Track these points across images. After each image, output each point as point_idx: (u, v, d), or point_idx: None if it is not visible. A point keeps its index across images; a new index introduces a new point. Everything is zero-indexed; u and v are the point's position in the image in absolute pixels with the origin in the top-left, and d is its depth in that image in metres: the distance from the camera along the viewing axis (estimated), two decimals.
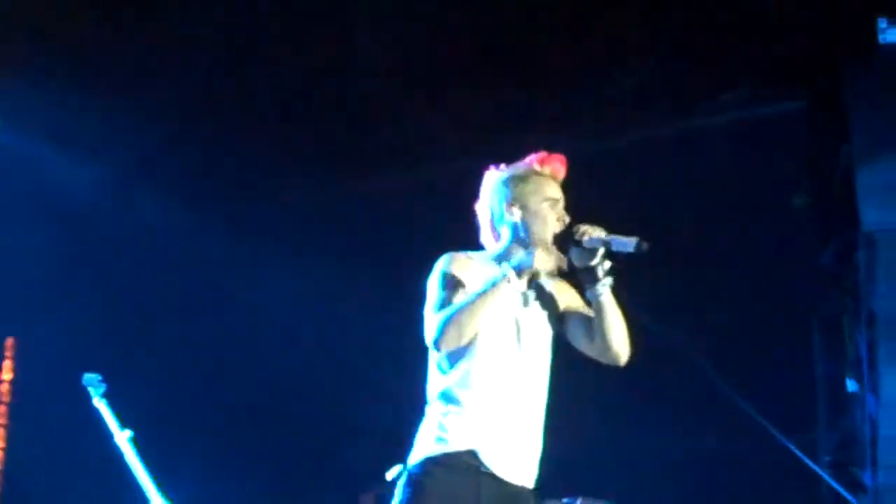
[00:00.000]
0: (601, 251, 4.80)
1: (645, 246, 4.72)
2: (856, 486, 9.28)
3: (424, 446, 4.78)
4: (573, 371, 8.68)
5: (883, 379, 9.26)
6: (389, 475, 4.80)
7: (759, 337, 9.37)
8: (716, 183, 9.42)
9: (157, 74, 8.47)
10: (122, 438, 5.34)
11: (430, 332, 4.75)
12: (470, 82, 9.11)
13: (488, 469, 4.71)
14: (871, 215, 9.35)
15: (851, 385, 9.45)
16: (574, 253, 4.84)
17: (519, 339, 4.86)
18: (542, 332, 4.95)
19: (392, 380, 8.47)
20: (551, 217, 4.91)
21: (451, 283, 4.82)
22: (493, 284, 4.70)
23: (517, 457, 4.79)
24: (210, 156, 9.15)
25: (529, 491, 4.85)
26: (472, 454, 4.70)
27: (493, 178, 5.03)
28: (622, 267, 4.85)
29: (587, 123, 9.61)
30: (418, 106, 9.20)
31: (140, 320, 8.75)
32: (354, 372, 9.40)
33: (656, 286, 9.63)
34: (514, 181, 4.97)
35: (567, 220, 4.92)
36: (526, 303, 4.92)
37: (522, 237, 4.92)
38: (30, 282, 8.80)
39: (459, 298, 4.75)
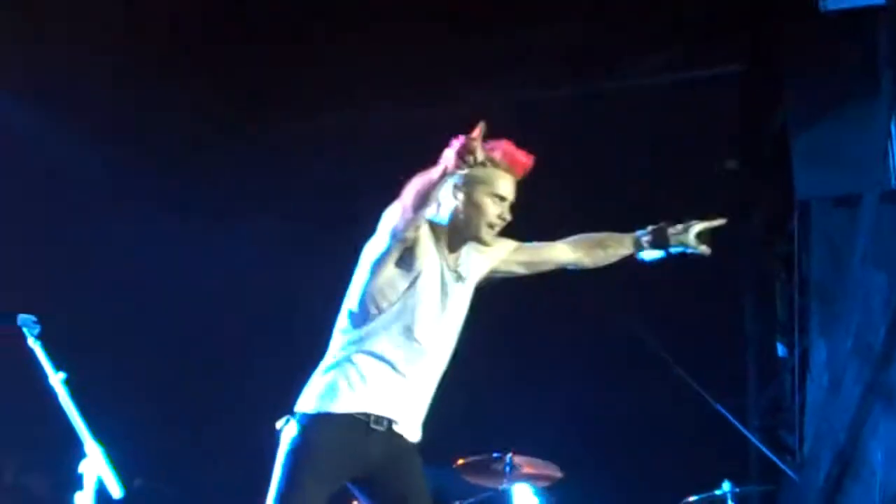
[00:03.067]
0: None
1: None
2: (783, 450, 9.36)
3: (318, 400, 4.74)
4: (498, 329, 8.72)
5: (813, 346, 9.34)
6: (278, 424, 4.76)
7: (690, 301, 9.36)
8: (648, 145, 9.39)
9: None
10: (56, 380, 5.19)
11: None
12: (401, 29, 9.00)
13: (379, 428, 4.71)
14: (805, 183, 9.39)
15: (781, 350, 9.53)
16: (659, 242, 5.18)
17: (442, 311, 4.82)
18: (463, 306, 4.93)
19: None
20: (492, 212, 4.82)
21: None
22: None
23: (408, 418, 4.81)
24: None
25: (413, 445, 4.85)
26: (364, 415, 4.69)
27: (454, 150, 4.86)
28: None
29: (515, 79, 9.52)
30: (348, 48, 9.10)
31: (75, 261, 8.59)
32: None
33: None
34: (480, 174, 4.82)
35: (508, 219, 4.86)
36: (459, 278, 4.86)
37: (459, 222, 4.83)
38: None
39: None
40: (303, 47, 9.08)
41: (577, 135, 9.52)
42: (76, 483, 4.64)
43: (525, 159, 4.84)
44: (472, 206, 4.81)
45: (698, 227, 5.12)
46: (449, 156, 4.44)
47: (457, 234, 4.85)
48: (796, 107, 9.53)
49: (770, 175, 9.77)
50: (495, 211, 4.82)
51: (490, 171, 4.80)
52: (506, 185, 4.84)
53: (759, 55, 9.78)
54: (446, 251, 4.86)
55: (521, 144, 8.52)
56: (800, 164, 9.39)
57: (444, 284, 4.80)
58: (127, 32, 8.50)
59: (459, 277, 4.87)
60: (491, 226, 4.83)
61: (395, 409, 4.74)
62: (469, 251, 4.95)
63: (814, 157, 9.32)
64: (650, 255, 5.17)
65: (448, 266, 4.84)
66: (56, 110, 8.58)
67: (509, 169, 4.84)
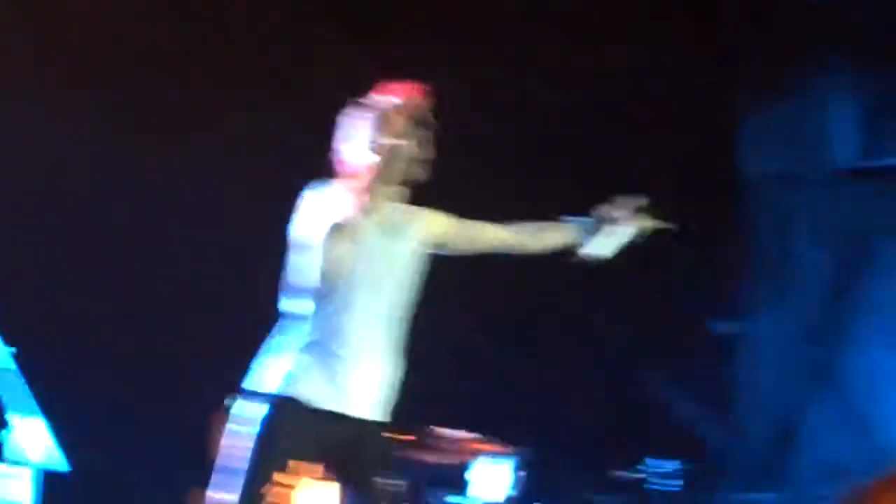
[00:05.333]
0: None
1: None
2: (724, 428, 9.43)
3: (280, 381, 4.73)
4: (475, 304, 8.72)
5: (755, 323, 9.43)
6: (228, 401, 4.74)
7: (632, 276, 9.37)
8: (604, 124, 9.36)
9: None
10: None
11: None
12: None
13: (327, 409, 4.67)
14: (755, 162, 9.49)
15: (723, 327, 9.57)
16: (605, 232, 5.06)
17: (381, 275, 4.76)
18: (402, 268, 4.85)
19: None
20: (405, 151, 4.73)
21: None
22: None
23: (360, 397, 4.72)
24: None
25: (374, 424, 4.76)
26: (309, 402, 4.67)
27: (352, 117, 4.81)
28: None
29: (506, 56, 9.49)
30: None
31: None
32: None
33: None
34: (371, 119, 4.75)
35: (431, 152, 4.78)
36: (395, 238, 4.82)
37: (383, 174, 4.75)
38: None
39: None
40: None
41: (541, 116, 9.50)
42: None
43: (417, 90, 4.79)
44: (385, 154, 4.71)
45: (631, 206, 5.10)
46: (398, 124, 4.53)
47: (386, 184, 4.82)
48: (747, 87, 9.64)
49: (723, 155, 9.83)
50: (407, 148, 4.74)
51: (388, 116, 4.72)
52: (408, 123, 4.73)
53: (710, 36, 9.85)
54: (376, 211, 4.82)
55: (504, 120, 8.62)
56: (748, 145, 9.52)
57: (381, 248, 4.77)
58: None
59: (395, 236, 4.83)
60: (415, 161, 4.80)
61: (344, 394, 4.69)
62: (404, 216, 4.92)
63: (760, 136, 9.45)
64: (596, 245, 5.11)
65: (381, 226, 4.80)
66: None
67: (407, 106, 4.75)
